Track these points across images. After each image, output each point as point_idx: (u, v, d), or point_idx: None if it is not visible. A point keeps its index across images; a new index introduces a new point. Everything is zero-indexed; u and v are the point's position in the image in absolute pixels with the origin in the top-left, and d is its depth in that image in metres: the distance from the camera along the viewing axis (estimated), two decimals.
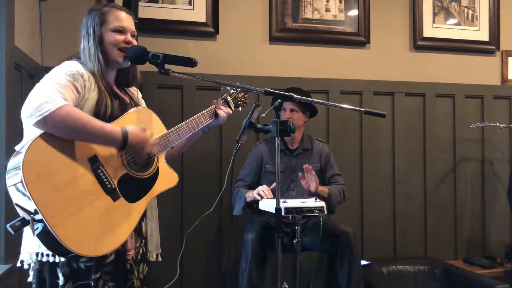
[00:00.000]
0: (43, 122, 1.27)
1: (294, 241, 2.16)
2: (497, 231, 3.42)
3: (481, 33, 3.45)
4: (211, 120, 1.81)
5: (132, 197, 1.49)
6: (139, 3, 2.62)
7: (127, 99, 1.63)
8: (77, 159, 1.35)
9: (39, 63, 2.46)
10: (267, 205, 2.23)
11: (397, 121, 3.26)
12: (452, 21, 3.40)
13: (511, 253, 3.14)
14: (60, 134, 1.32)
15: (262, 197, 2.32)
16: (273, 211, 1.65)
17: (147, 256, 1.66)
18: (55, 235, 1.25)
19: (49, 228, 1.24)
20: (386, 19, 3.28)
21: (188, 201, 2.85)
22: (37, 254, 1.40)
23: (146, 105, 2.76)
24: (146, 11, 2.82)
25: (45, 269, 1.43)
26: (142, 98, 1.84)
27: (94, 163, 1.38)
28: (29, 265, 1.46)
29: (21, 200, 1.26)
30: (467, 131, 3.34)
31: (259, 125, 1.80)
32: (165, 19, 2.88)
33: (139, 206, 1.51)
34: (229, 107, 1.91)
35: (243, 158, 2.67)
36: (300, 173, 2.40)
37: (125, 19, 1.58)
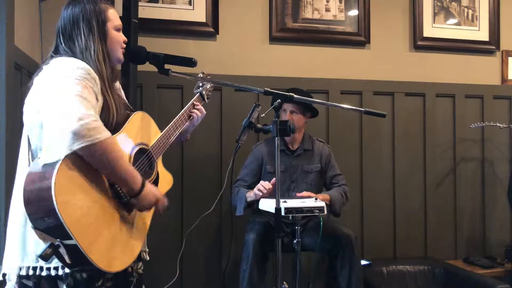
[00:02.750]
0: (88, 148, 1.19)
1: (294, 241, 2.16)
2: (497, 231, 3.42)
3: (481, 33, 3.45)
4: (185, 125, 1.84)
5: None
6: (139, 3, 2.62)
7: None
8: (97, 177, 1.30)
9: (39, 63, 2.46)
10: (267, 205, 2.23)
11: (397, 121, 3.26)
12: (452, 21, 3.40)
13: (511, 253, 3.14)
14: (92, 162, 1.25)
15: (262, 192, 2.31)
16: (273, 211, 1.65)
17: (142, 255, 1.65)
18: (89, 258, 1.20)
19: (83, 252, 1.19)
20: (386, 19, 3.28)
21: (188, 201, 2.85)
22: (34, 268, 1.31)
23: (146, 105, 2.79)
24: (146, 11, 2.82)
25: (42, 284, 1.32)
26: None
27: None
28: (21, 279, 1.34)
29: (46, 225, 1.19)
30: (467, 131, 3.34)
31: (258, 125, 1.80)
32: (165, 19, 2.88)
33: (148, 213, 1.53)
34: (204, 100, 1.95)
35: (243, 158, 2.67)
36: (297, 194, 2.42)
37: (119, 17, 1.54)
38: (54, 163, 1.18)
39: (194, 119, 1.86)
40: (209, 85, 2.04)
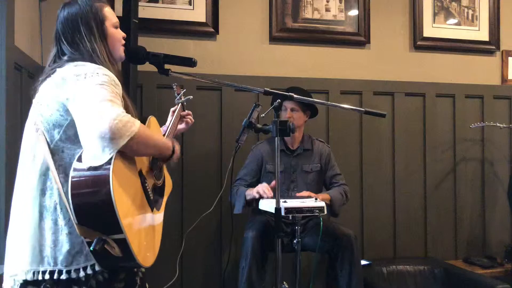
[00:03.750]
0: (129, 142, 1.21)
1: (294, 241, 2.16)
2: (497, 231, 3.42)
3: (481, 33, 3.45)
4: (183, 127, 1.95)
5: (159, 205, 1.53)
6: (139, 3, 2.62)
7: None
8: (134, 176, 1.34)
9: (39, 63, 2.46)
10: (267, 205, 2.23)
11: (397, 121, 3.26)
12: (452, 21, 3.40)
13: (511, 253, 3.14)
14: (134, 152, 1.30)
15: (262, 196, 2.32)
16: (273, 211, 1.65)
17: None
18: (133, 253, 1.23)
19: (130, 246, 1.22)
20: (386, 19, 3.28)
21: (188, 201, 2.85)
22: (51, 272, 1.27)
23: (146, 105, 2.79)
24: (146, 11, 2.82)
25: None
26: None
27: (142, 177, 1.39)
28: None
29: (96, 221, 1.21)
30: (467, 131, 3.34)
31: (258, 125, 1.80)
32: (165, 19, 2.88)
33: (162, 213, 1.57)
34: (184, 110, 2.01)
35: (243, 158, 2.67)
36: (297, 194, 2.44)
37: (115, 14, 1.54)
38: (106, 167, 1.20)
39: (189, 124, 1.97)
40: (184, 97, 2.06)
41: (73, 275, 1.27)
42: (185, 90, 2.03)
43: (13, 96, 2.07)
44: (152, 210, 1.44)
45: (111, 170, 1.19)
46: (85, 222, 1.21)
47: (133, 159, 1.34)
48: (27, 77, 2.28)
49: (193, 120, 1.98)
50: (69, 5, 1.44)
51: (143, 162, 1.43)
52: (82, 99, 1.25)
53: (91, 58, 1.40)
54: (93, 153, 1.20)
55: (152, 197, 1.44)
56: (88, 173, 1.22)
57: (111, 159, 1.20)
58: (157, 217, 1.51)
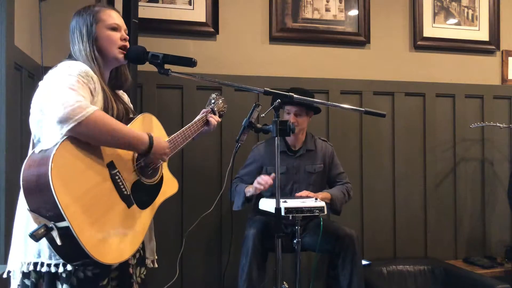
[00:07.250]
0: (77, 127, 1.23)
1: (294, 241, 2.16)
2: (497, 231, 3.42)
3: (481, 33, 3.45)
4: (202, 129, 1.90)
5: (143, 204, 1.49)
6: (139, 3, 2.62)
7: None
8: (97, 165, 1.32)
9: (39, 63, 2.46)
10: (267, 205, 2.23)
11: (397, 121, 3.26)
12: (452, 21, 3.40)
13: (511, 253, 3.14)
14: (89, 139, 1.28)
15: (263, 185, 2.30)
16: (273, 211, 1.65)
17: (145, 261, 1.65)
18: (80, 243, 1.20)
19: (75, 235, 1.20)
20: (386, 19, 3.28)
21: (188, 201, 2.85)
22: (35, 264, 1.32)
23: (146, 105, 2.79)
24: (146, 11, 2.83)
25: (41, 282, 1.34)
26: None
27: (112, 169, 1.37)
28: (24, 275, 1.36)
29: (41, 206, 1.21)
30: (467, 131, 3.35)
31: (258, 125, 1.80)
32: (165, 19, 2.88)
33: (148, 213, 1.52)
34: (215, 115, 1.98)
35: (243, 158, 2.67)
36: (296, 194, 2.42)
37: (118, 17, 1.56)
38: (52, 147, 1.23)
39: (211, 125, 1.91)
40: (221, 103, 2.05)
41: (53, 269, 1.32)
42: (223, 99, 2.04)
43: (13, 96, 2.07)
44: (129, 207, 1.41)
45: (52, 153, 1.20)
46: (34, 208, 1.23)
47: (96, 148, 1.34)
48: (27, 77, 2.28)
49: (215, 123, 1.91)
50: (74, 15, 1.54)
51: (118, 155, 1.41)
52: (46, 86, 1.34)
53: (78, 58, 1.48)
54: (48, 135, 1.27)
55: (127, 193, 1.41)
56: (35, 157, 1.25)
57: (54, 146, 1.22)
58: (138, 215, 1.46)
